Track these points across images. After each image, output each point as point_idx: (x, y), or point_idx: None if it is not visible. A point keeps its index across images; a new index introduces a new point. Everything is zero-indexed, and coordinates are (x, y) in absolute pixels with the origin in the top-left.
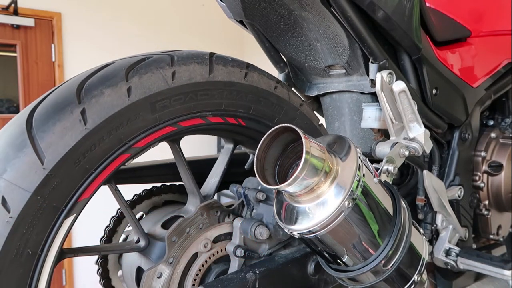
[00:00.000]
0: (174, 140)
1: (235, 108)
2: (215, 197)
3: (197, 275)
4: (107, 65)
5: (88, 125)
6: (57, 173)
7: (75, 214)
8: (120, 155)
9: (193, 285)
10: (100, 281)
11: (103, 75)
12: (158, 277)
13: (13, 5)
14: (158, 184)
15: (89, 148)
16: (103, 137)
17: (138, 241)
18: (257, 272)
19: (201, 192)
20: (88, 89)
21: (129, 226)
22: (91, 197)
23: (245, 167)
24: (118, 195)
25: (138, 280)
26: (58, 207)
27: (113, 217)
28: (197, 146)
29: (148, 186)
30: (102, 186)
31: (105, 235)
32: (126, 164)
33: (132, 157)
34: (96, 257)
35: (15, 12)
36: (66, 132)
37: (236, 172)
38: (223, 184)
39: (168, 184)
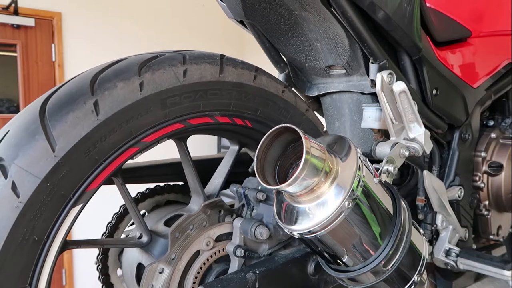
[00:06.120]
0: (181, 139)
1: (243, 109)
2: None
3: (198, 273)
4: (120, 60)
5: (100, 116)
6: (67, 161)
7: (81, 204)
8: (129, 148)
9: (194, 282)
10: (99, 278)
11: (117, 69)
12: (160, 273)
13: (13, 5)
14: (161, 184)
15: (99, 139)
16: (114, 129)
17: (140, 237)
18: (257, 272)
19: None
20: (101, 82)
21: (130, 226)
22: (98, 188)
23: (249, 170)
24: (123, 189)
25: (138, 277)
26: (66, 196)
27: (115, 213)
28: (197, 146)
29: (148, 186)
30: (101, 188)
31: (107, 231)
32: (134, 157)
33: (140, 151)
34: (96, 257)
35: (15, 12)
36: (78, 122)
37: (236, 172)
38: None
39: (171, 183)
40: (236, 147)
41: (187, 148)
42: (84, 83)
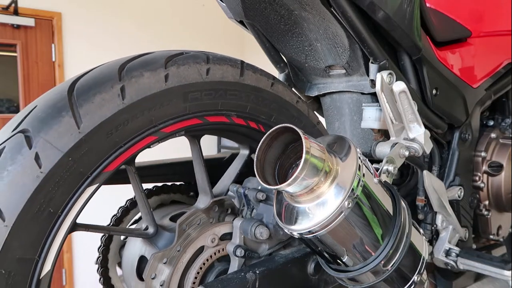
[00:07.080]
0: (195, 136)
1: (258, 113)
2: None
3: (200, 268)
4: (146, 53)
5: (125, 100)
6: (90, 139)
7: (97, 185)
8: (148, 136)
9: (195, 278)
10: (98, 270)
11: (144, 60)
12: (164, 263)
13: (13, 5)
14: (168, 183)
15: (122, 123)
16: (137, 115)
17: (146, 229)
18: (257, 272)
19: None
20: (129, 70)
21: (130, 225)
22: (113, 172)
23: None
24: (135, 178)
25: (138, 271)
26: (84, 173)
27: (121, 207)
28: None
29: (151, 185)
30: (102, 188)
31: (111, 223)
32: (151, 146)
33: (158, 141)
34: (96, 257)
35: (15, 12)
36: (105, 104)
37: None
38: None
39: (177, 183)
40: (246, 152)
41: (200, 146)
42: (112, 70)
